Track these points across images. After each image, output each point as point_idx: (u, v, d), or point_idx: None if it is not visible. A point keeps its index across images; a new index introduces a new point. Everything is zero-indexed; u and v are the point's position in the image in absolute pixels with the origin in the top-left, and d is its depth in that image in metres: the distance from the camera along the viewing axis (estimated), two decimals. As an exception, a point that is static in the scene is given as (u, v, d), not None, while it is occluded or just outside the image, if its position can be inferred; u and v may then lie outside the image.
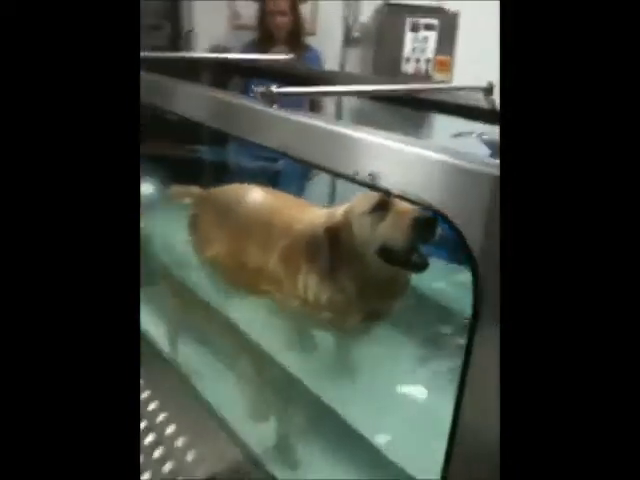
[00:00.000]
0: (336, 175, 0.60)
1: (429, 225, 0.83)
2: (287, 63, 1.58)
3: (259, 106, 0.72)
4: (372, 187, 0.56)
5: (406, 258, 0.87)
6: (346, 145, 0.58)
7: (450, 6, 2.93)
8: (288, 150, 0.67)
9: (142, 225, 1.58)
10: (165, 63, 1.52)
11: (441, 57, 2.93)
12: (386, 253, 0.89)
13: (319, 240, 0.94)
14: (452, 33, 2.90)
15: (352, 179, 0.58)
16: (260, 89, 0.72)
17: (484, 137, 0.87)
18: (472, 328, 0.51)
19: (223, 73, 1.80)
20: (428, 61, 2.95)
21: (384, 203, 0.89)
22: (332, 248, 0.92)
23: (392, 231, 0.87)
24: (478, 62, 2.04)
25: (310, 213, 1.08)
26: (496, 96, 0.94)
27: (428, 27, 2.90)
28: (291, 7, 2.62)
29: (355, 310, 0.95)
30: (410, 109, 1.04)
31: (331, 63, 3.07)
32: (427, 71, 2.97)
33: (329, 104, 2.35)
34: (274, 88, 0.72)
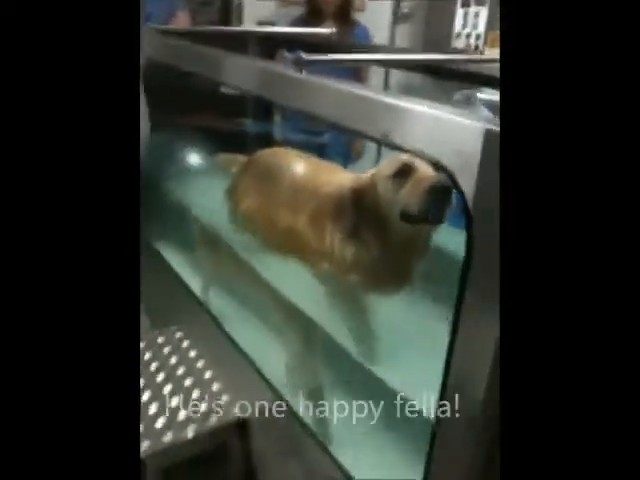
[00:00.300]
0: (351, 133, 0.66)
1: (444, 193, 0.87)
2: (334, 37, 1.62)
3: (290, 72, 0.79)
4: (384, 144, 0.62)
5: (423, 218, 0.92)
6: (361, 105, 0.64)
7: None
8: (314, 110, 0.73)
9: (187, 190, 1.68)
10: (216, 37, 1.61)
11: (492, 32, 2.86)
12: (404, 215, 0.95)
13: (346, 199, 1.01)
14: (505, 8, 2.81)
15: (367, 137, 0.64)
16: (291, 56, 0.78)
17: (482, 98, 0.89)
18: (463, 277, 0.56)
19: (270, 47, 1.87)
20: (479, 37, 2.88)
21: (406, 169, 0.94)
22: (357, 207, 0.99)
23: (409, 197, 0.92)
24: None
25: (341, 175, 1.15)
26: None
27: (479, 2, 2.83)
28: (342, -19, 2.61)
29: (378, 267, 1.01)
30: (443, 80, 1.07)
31: (381, 39, 3.05)
32: (477, 46, 2.91)
33: (373, 76, 2.36)
34: (303, 55, 0.78)
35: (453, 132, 0.53)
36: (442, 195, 0.87)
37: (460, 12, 2.85)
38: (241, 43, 1.92)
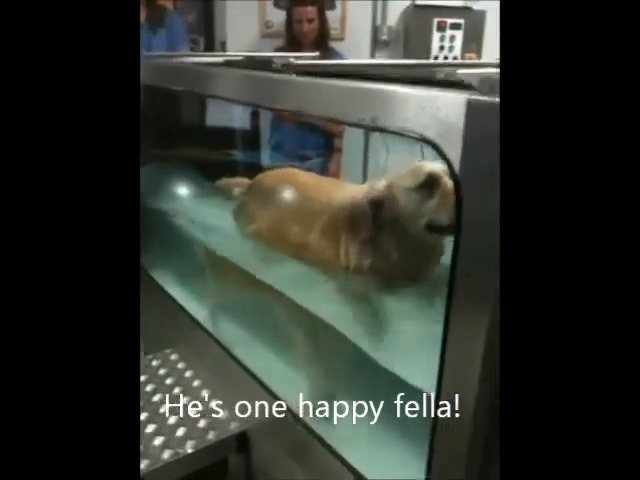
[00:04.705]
0: (343, 124, 0.70)
1: None
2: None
3: (281, 76, 0.83)
4: (374, 129, 0.65)
5: (451, 229, 0.92)
6: (351, 96, 0.68)
7: (477, 5, 2.99)
8: (307, 109, 0.76)
9: (186, 217, 1.70)
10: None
11: (469, 54, 2.99)
12: (431, 226, 0.96)
13: (362, 210, 1.01)
14: (479, 31, 2.96)
15: (358, 125, 0.67)
16: (281, 62, 0.83)
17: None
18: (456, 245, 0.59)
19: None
20: (455, 58, 3.01)
21: (432, 181, 0.95)
22: (374, 217, 1.00)
23: (440, 209, 0.93)
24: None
25: (350, 188, 1.17)
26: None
27: (454, 26, 2.97)
28: (319, 13, 2.73)
29: (394, 271, 1.02)
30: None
31: (361, 67, 3.16)
32: (454, 69, 3.04)
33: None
34: (292, 60, 0.83)
35: (436, 106, 0.56)
36: None
37: (436, 36, 2.98)
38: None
